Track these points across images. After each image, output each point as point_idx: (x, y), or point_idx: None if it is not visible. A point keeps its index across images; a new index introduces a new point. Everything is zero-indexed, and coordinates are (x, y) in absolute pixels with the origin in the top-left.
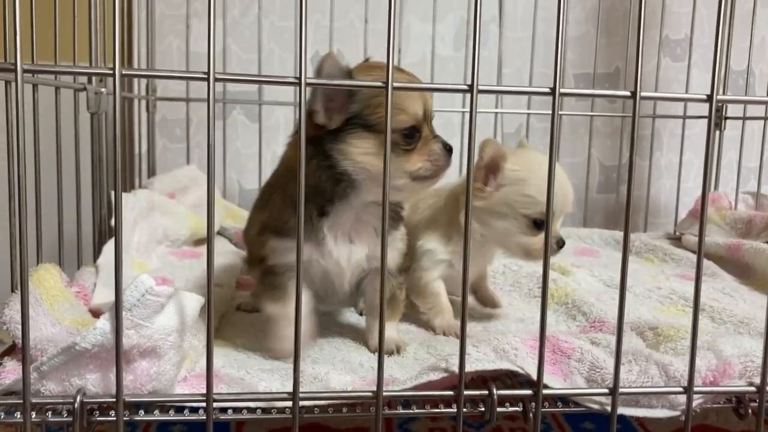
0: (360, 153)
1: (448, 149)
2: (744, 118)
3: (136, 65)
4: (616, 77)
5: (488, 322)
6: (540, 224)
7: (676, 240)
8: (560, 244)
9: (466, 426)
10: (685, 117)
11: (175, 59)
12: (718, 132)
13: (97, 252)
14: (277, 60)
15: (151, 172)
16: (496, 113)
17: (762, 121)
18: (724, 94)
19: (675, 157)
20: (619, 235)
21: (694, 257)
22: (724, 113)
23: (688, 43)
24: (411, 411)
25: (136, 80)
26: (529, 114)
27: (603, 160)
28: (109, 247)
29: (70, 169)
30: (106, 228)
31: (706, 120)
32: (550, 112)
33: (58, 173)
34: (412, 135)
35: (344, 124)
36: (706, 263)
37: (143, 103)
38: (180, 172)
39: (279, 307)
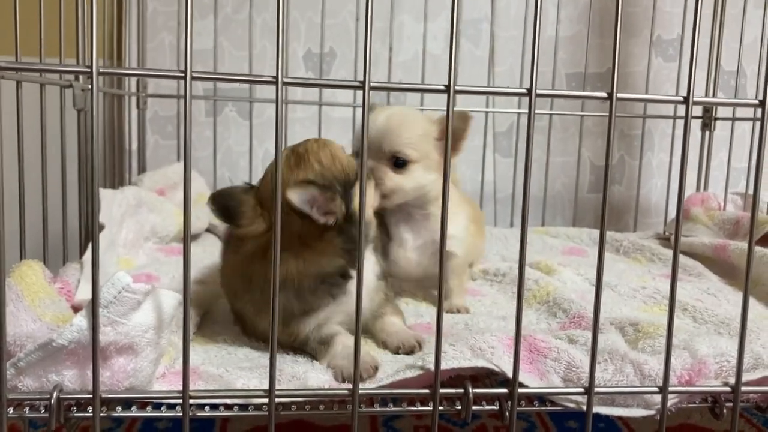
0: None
1: None
2: (733, 119)
3: (126, 62)
4: (608, 77)
5: (470, 320)
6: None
7: (665, 240)
8: None
9: (451, 424)
10: (675, 117)
11: (167, 56)
12: (708, 132)
13: (83, 248)
14: (270, 57)
15: (142, 169)
16: (487, 112)
17: (751, 122)
18: (714, 94)
19: (666, 157)
20: (608, 234)
21: (681, 258)
22: (713, 114)
23: (680, 43)
24: (387, 409)
25: (127, 78)
26: (519, 113)
27: (594, 160)
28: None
29: (57, 166)
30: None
31: (697, 120)
32: (540, 111)
33: (43, 170)
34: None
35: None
36: (692, 263)
37: (134, 99)
38: (170, 169)
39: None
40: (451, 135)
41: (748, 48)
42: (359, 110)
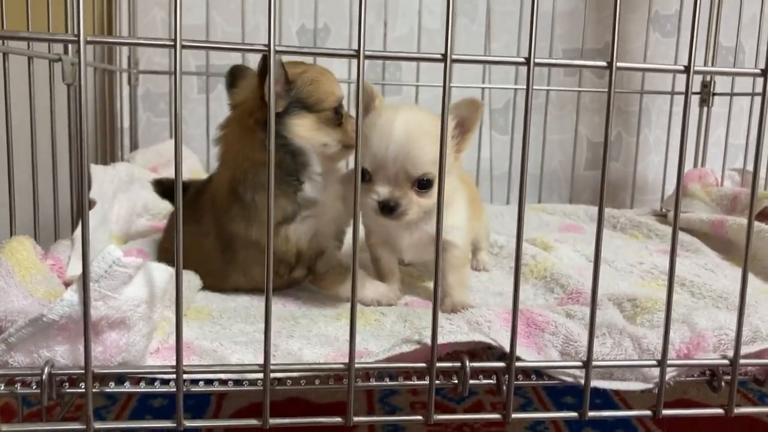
0: (303, 130)
1: None
2: (731, 94)
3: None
4: (605, 52)
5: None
6: (364, 175)
7: (662, 216)
8: (382, 205)
9: (447, 400)
10: (673, 93)
11: (159, 31)
12: (705, 108)
13: (75, 225)
14: (263, 33)
15: (134, 147)
16: (483, 88)
17: (750, 98)
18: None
19: (663, 134)
20: (606, 211)
21: (679, 233)
22: (711, 89)
23: (678, 18)
24: (383, 383)
25: (118, 54)
26: (516, 90)
27: (591, 137)
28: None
29: (48, 142)
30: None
31: (695, 96)
32: (537, 87)
33: (32, 146)
34: (340, 112)
35: (286, 108)
36: (690, 239)
37: (126, 76)
38: (163, 146)
39: (345, 286)
40: (462, 125)
41: (747, 24)
42: (354, 86)
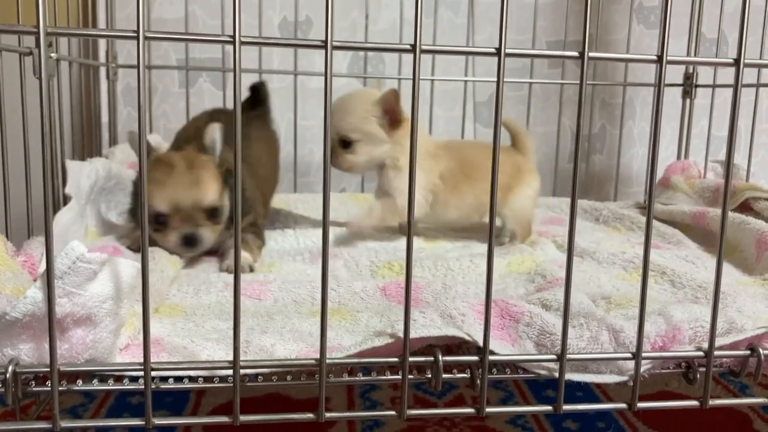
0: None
1: (187, 242)
2: (714, 86)
3: None
4: (589, 44)
5: (449, 285)
6: None
7: (645, 209)
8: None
9: (428, 395)
10: (656, 84)
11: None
12: (689, 100)
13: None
14: (244, 26)
15: (114, 142)
16: (466, 81)
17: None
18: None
19: (648, 126)
20: (588, 204)
21: (661, 226)
22: (694, 80)
23: (661, 9)
24: (357, 378)
25: (96, 47)
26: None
27: (574, 129)
28: (59, 216)
29: (19, 136)
30: (60, 197)
31: (679, 88)
32: (519, 80)
33: (2, 141)
34: (161, 221)
35: None
36: (672, 231)
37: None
38: None
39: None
40: (388, 110)
41: (731, 16)
42: (337, 80)
